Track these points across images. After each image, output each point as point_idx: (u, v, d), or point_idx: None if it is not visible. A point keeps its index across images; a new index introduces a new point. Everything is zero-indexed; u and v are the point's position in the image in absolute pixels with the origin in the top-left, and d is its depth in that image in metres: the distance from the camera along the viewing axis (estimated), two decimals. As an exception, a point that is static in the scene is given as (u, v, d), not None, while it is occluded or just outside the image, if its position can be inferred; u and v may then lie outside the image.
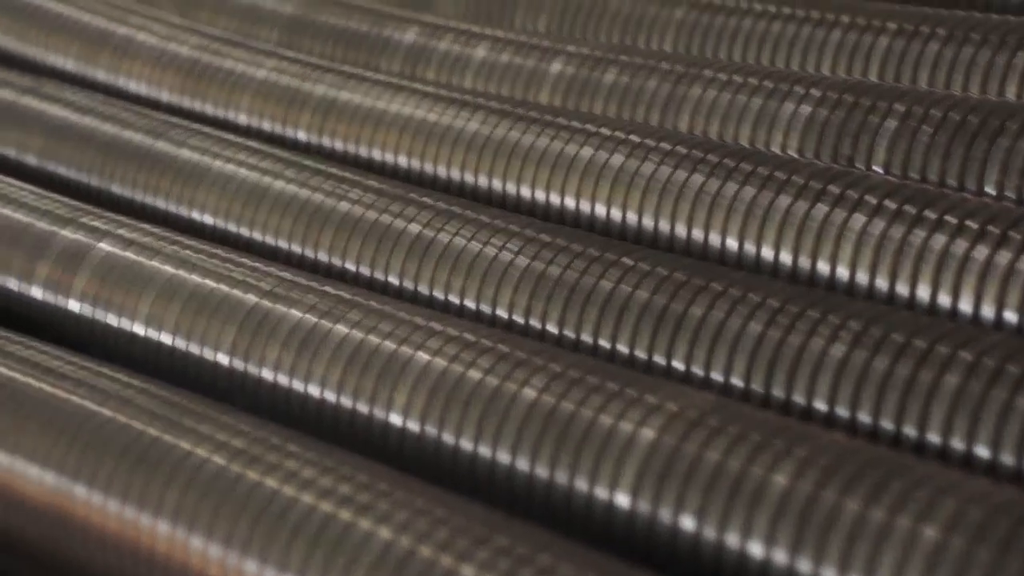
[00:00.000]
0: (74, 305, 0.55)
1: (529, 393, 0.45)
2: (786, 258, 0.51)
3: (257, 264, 0.53)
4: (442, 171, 0.60)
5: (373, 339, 0.49)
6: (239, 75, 0.67)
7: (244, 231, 0.59)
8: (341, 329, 0.49)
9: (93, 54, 0.72)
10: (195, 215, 0.60)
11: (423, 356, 0.47)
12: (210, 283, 0.53)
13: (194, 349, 0.52)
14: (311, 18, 0.73)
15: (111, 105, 0.66)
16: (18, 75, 0.70)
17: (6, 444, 0.48)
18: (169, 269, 0.54)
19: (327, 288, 0.51)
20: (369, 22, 0.71)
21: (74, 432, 0.47)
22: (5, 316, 0.57)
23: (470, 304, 0.52)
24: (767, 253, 0.51)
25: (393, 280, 0.54)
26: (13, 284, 0.57)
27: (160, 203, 0.61)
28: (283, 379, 0.50)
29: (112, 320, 0.54)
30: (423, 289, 0.54)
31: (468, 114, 0.60)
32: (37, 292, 0.56)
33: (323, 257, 0.56)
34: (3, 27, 0.76)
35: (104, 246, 0.56)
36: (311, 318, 0.50)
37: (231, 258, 0.54)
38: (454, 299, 0.53)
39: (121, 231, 0.56)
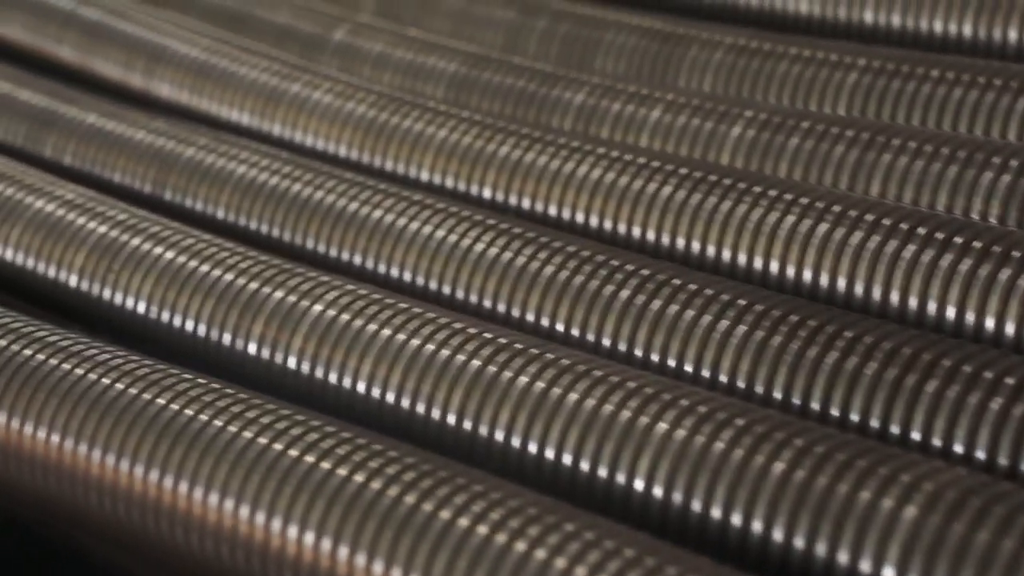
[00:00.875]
0: (291, 361, 0.57)
1: (778, 467, 0.47)
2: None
3: (475, 330, 0.55)
4: (639, 235, 0.62)
5: (612, 409, 0.51)
6: (419, 134, 0.69)
7: (446, 290, 0.61)
8: (572, 397, 0.52)
9: (269, 109, 0.74)
10: (393, 273, 0.62)
11: (681, 433, 0.49)
12: (430, 347, 0.55)
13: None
14: (477, 76, 0.75)
15: (300, 165, 0.68)
16: (197, 130, 0.72)
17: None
18: (387, 332, 0.56)
19: (548, 354, 0.53)
20: (538, 81, 0.73)
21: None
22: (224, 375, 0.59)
23: (688, 368, 0.54)
24: (989, 324, 0.53)
25: (605, 342, 0.57)
26: (227, 340, 0.59)
27: (356, 260, 0.63)
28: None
29: (345, 382, 0.56)
30: (638, 353, 0.56)
31: (661, 178, 0.62)
32: (252, 348, 0.58)
33: (531, 318, 0.58)
34: (178, 81, 0.78)
35: (318, 307, 0.58)
36: (541, 385, 0.52)
37: (443, 322, 0.56)
38: (671, 362, 0.55)
39: (331, 293, 0.58)
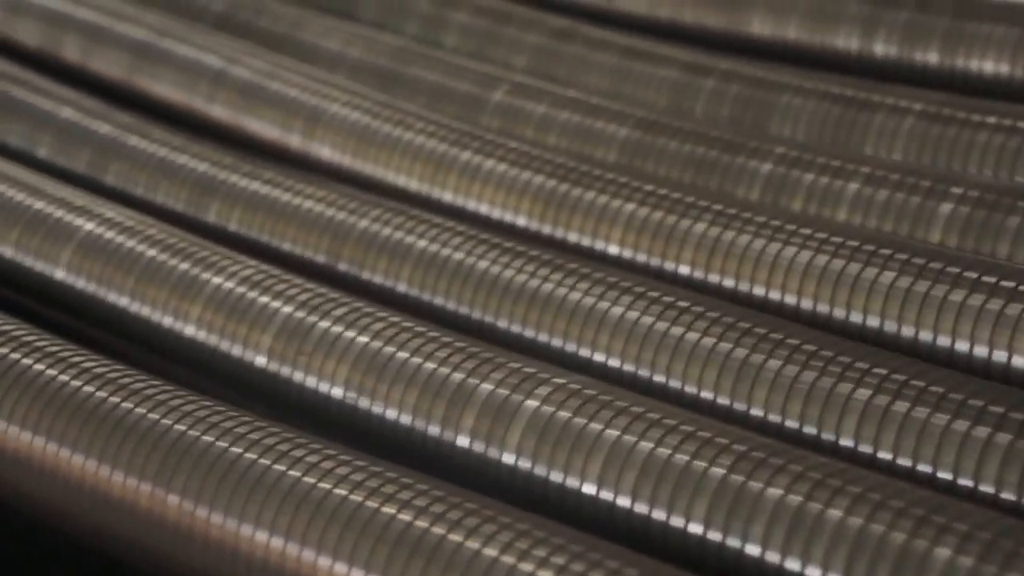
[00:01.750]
0: (508, 457, 0.55)
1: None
2: None
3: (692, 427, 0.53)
4: (843, 317, 0.60)
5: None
6: (606, 206, 0.67)
7: (643, 373, 0.59)
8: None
9: (439, 176, 0.72)
10: (597, 357, 0.60)
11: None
12: (665, 451, 0.53)
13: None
14: (651, 141, 0.73)
15: (482, 241, 0.65)
16: (369, 200, 0.70)
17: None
18: (616, 432, 0.53)
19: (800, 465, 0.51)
20: (719, 147, 0.71)
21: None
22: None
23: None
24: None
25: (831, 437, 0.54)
26: (433, 431, 0.57)
27: (556, 343, 0.61)
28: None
29: (556, 477, 0.54)
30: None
31: (864, 258, 0.60)
32: (458, 438, 0.56)
33: (756, 411, 0.56)
34: (339, 144, 0.76)
35: (532, 403, 0.56)
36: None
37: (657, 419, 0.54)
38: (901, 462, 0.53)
39: (542, 388, 0.56)
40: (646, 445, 0.51)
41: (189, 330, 0.64)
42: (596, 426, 0.52)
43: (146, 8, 0.93)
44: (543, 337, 0.61)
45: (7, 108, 0.82)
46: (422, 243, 0.66)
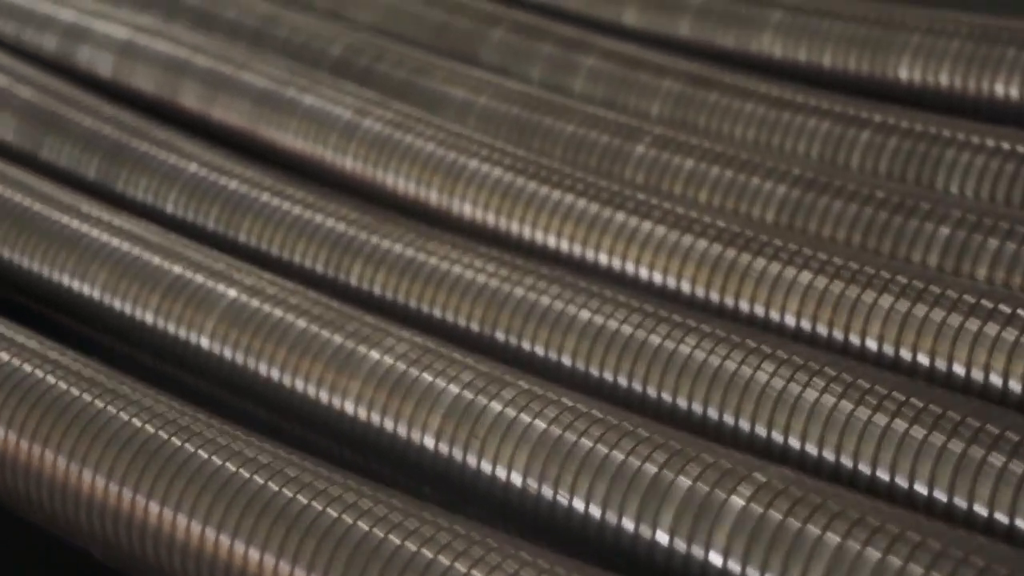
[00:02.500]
0: (715, 558, 0.52)
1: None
2: None
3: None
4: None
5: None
6: (777, 276, 0.64)
7: (846, 463, 0.56)
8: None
9: (592, 237, 0.70)
10: (776, 438, 0.57)
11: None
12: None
13: None
14: (813, 200, 0.70)
15: (651, 314, 0.63)
16: (525, 267, 0.67)
17: None
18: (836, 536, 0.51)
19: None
20: (890, 208, 0.68)
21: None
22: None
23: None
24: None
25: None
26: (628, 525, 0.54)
27: (743, 426, 0.58)
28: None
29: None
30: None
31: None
32: (657, 534, 0.54)
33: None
34: (481, 201, 0.73)
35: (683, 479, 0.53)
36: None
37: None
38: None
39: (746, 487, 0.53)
40: (872, 553, 0.48)
41: (349, 406, 0.62)
42: (814, 530, 0.50)
43: (263, 53, 0.91)
44: (728, 419, 0.58)
45: (130, 160, 0.80)
46: (585, 314, 0.64)
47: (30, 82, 0.86)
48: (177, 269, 0.69)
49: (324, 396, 0.63)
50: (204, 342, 0.67)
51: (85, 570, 0.62)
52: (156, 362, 0.69)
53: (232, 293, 0.67)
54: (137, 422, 0.58)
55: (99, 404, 0.61)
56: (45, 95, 0.85)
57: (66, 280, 0.72)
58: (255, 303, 0.66)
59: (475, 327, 0.66)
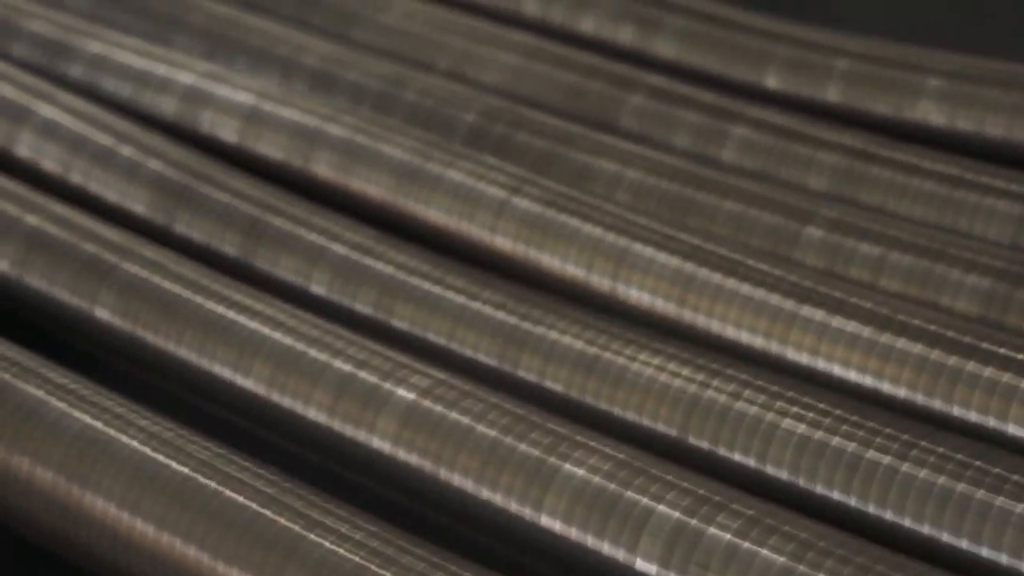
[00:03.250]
0: None
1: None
2: None
3: None
4: None
5: None
6: (995, 384, 0.61)
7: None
8: None
9: (776, 331, 0.66)
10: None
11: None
12: None
13: None
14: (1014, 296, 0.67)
15: (865, 426, 0.60)
16: (718, 371, 0.64)
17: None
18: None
19: None
20: None
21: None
22: None
23: None
24: None
25: None
26: None
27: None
28: None
29: None
30: None
31: None
32: None
33: None
34: (648, 287, 0.70)
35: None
36: None
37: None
38: None
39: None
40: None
41: (545, 520, 0.59)
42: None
43: (390, 118, 0.88)
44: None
45: (270, 237, 0.77)
46: (786, 422, 0.60)
47: (159, 153, 0.82)
48: (346, 366, 0.66)
49: (514, 506, 0.60)
50: (378, 443, 0.64)
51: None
52: (322, 460, 0.66)
53: (408, 395, 0.64)
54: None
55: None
56: (176, 168, 0.81)
57: (227, 373, 0.69)
58: (428, 404, 0.63)
59: (673, 432, 0.63)
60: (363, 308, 0.73)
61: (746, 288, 0.68)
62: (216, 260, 0.77)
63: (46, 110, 0.87)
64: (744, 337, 0.67)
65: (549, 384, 0.67)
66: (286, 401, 0.66)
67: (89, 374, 0.68)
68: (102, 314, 0.73)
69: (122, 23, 1.01)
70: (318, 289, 0.74)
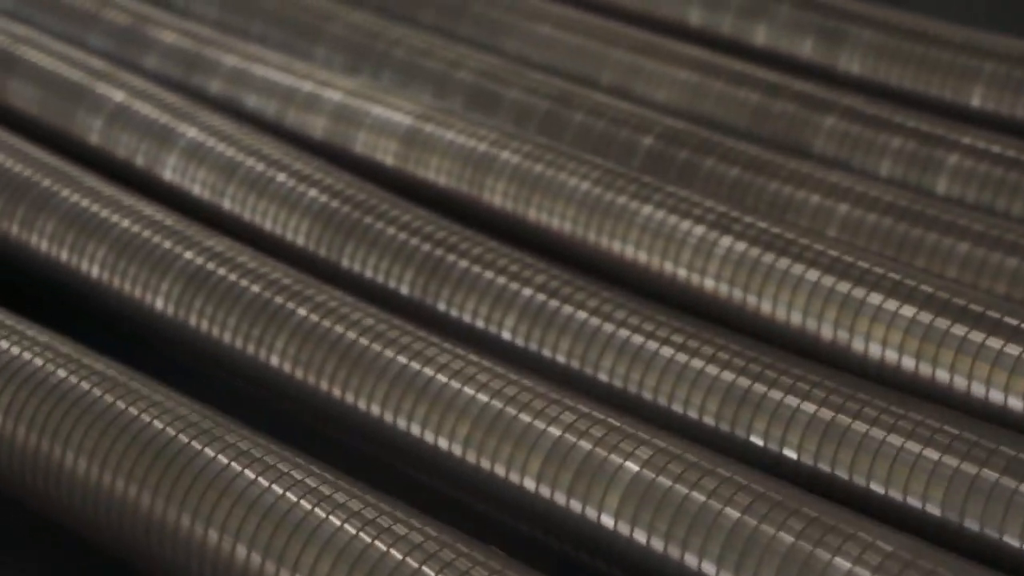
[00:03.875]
0: None
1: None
2: None
3: None
4: None
5: None
6: None
7: None
8: None
9: None
10: None
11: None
12: None
13: None
14: None
15: None
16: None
17: None
18: None
19: None
20: None
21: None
22: None
23: None
24: None
25: None
26: None
27: None
28: None
29: None
30: None
31: None
32: None
33: None
34: (909, 349, 0.64)
35: None
36: None
37: None
38: None
39: None
40: None
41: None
42: None
43: (559, 139, 0.81)
44: None
45: (450, 277, 0.70)
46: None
47: (318, 180, 0.76)
48: (568, 436, 0.59)
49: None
50: (607, 520, 0.57)
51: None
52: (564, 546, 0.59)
53: (638, 469, 0.57)
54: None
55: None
56: (338, 197, 0.75)
57: (414, 429, 0.63)
58: (651, 475, 0.57)
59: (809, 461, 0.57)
60: (558, 356, 0.66)
61: (1011, 348, 0.61)
62: (389, 299, 0.71)
63: (192, 132, 0.80)
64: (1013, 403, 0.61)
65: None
66: (499, 469, 0.60)
67: (257, 424, 0.62)
68: (275, 360, 0.67)
69: (255, 33, 0.95)
70: (505, 334, 0.68)
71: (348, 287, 0.71)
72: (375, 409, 0.64)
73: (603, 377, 0.65)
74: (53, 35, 0.92)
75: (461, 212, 0.77)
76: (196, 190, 0.78)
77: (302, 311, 0.67)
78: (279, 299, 0.68)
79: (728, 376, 0.62)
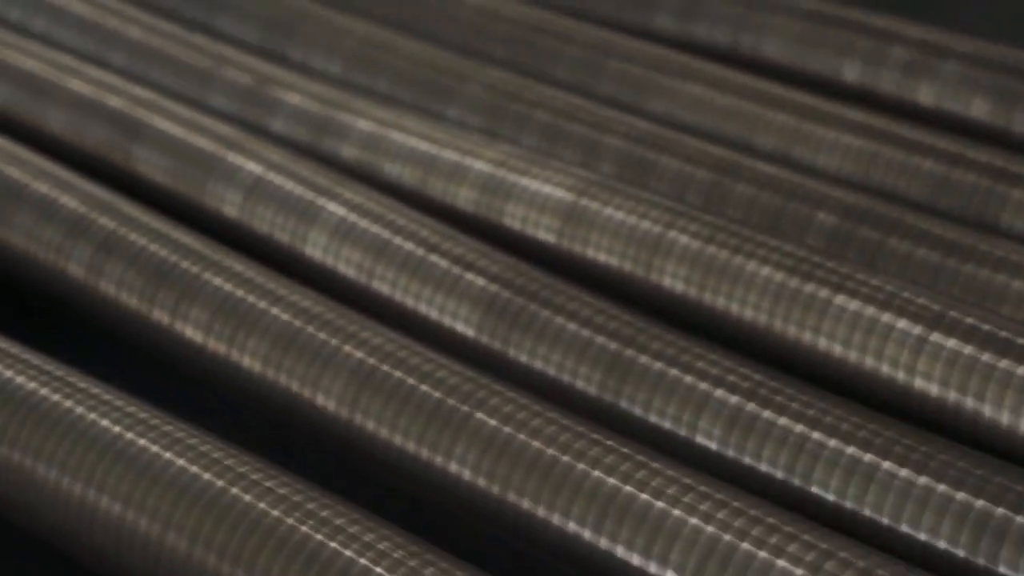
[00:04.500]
0: None
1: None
2: None
3: None
4: None
5: None
6: None
7: None
8: None
9: None
10: None
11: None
12: None
13: None
14: None
15: None
16: None
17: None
18: None
19: None
20: None
21: None
22: None
23: None
24: None
25: None
26: None
27: None
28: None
29: None
30: None
31: None
32: None
33: None
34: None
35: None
36: None
37: None
38: None
39: None
40: None
41: None
42: None
43: (688, 202, 0.76)
44: None
45: (633, 375, 0.65)
46: None
47: (477, 263, 0.71)
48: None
49: None
50: None
51: None
52: None
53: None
54: None
55: None
56: (503, 283, 0.70)
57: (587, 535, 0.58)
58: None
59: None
60: (756, 462, 0.62)
61: None
62: (569, 396, 0.66)
63: (334, 207, 0.75)
64: None
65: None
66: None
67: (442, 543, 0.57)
68: (455, 468, 0.62)
69: (381, 90, 0.90)
70: (705, 441, 0.63)
71: (519, 379, 0.67)
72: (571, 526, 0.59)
73: (816, 491, 0.60)
74: (171, 96, 0.88)
75: (628, 296, 0.72)
76: (342, 269, 0.74)
77: (481, 415, 0.62)
78: (452, 401, 0.63)
79: (964, 498, 0.57)
